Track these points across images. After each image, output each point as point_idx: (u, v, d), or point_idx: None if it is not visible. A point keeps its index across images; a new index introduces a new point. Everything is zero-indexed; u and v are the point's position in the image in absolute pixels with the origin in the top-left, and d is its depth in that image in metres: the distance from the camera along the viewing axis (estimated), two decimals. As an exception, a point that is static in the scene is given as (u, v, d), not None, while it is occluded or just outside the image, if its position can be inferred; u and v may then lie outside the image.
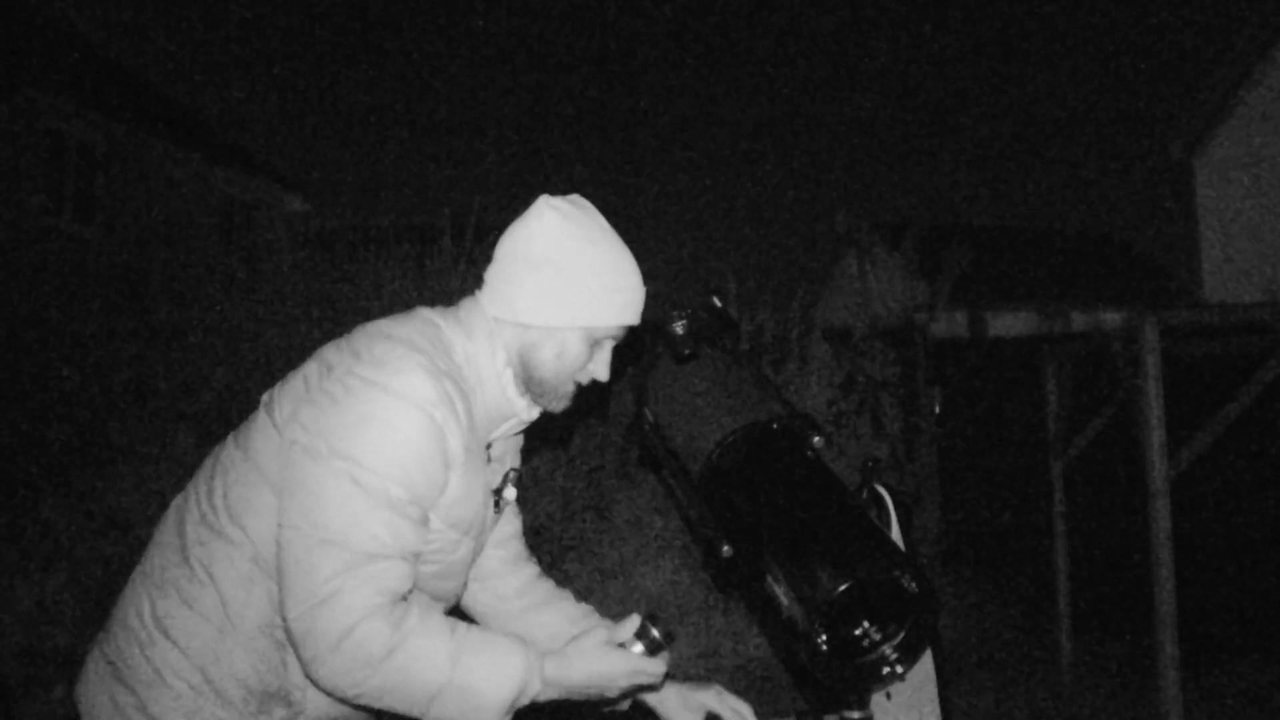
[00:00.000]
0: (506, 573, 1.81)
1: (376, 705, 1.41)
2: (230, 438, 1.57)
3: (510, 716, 1.42)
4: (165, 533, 1.56)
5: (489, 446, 1.62)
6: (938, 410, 6.63)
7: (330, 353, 1.52)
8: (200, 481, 1.56)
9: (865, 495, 1.57)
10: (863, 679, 1.38)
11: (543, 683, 1.42)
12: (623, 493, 5.78)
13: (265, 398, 1.55)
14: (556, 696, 1.46)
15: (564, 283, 1.52)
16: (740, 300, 6.33)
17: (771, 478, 1.48)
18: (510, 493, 1.67)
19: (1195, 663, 5.04)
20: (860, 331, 6.50)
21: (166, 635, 1.48)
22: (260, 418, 1.53)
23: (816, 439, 1.50)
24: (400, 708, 1.40)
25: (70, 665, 5.05)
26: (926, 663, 1.51)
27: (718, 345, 1.69)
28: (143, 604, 1.51)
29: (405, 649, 1.36)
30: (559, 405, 1.62)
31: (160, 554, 1.54)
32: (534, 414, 1.63)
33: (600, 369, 1.60)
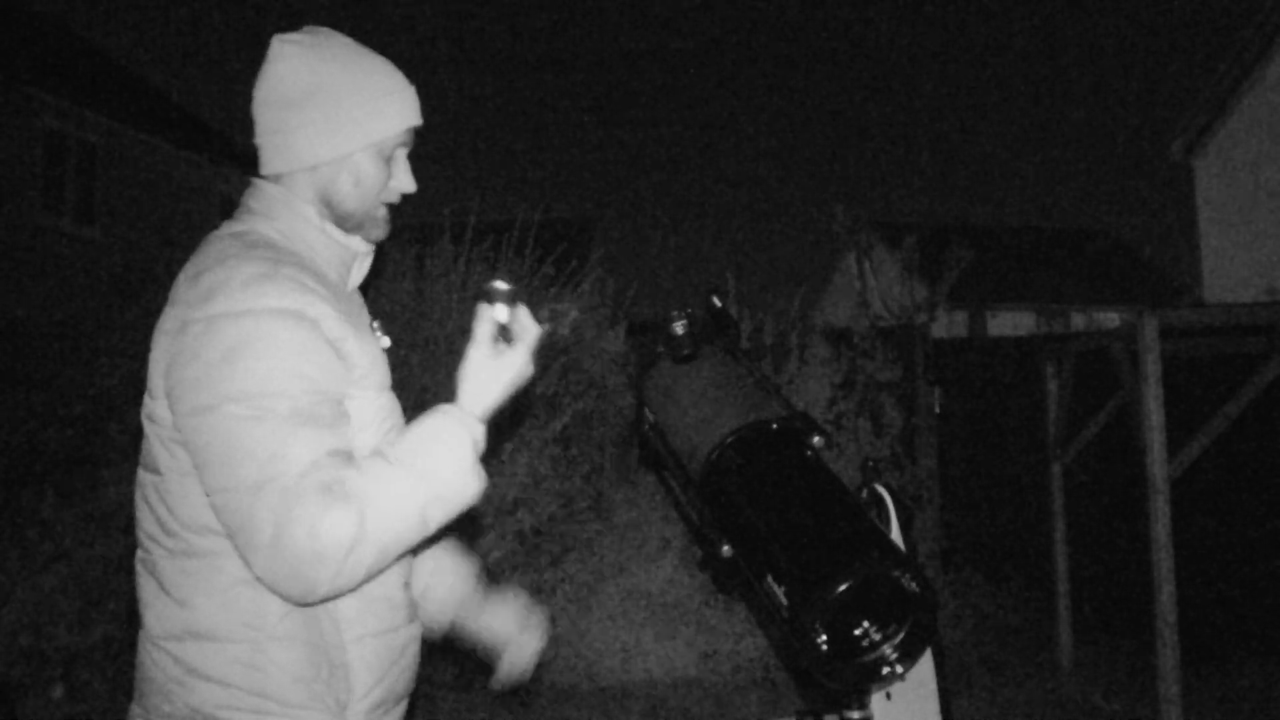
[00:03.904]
0: None
1: (390, 560, 1.38)
2: (140, 475, 1.50)
3: (480, 470, 1.42)
4: (148, 593, 1.47)
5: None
6: (938, 410, 6.63)
7: (165, 323, 1.44)
8: (146, 529, 1.48)
9: (865, 495, 1.57)
10: (863, 679, 1.38)
11: (477, 423, 1.43)
12: (623, 493, 5.78)
13: (144, 414, 1.47)
14: (493, 414, 1.46)
15: (333, 107, 1.47)
16: (740, 300, 6.34)
17: (771, 478, 1.48)
18: (385, 341, 1.61)
19: (1195, 663, 5.04)
20: (860, 331, 6.51)
21: (206, 678, 1.40)
22: (151, 431, 1.46)
23: (816, 439, 1.50)
24: (409, 545, 1.39)
25: (70, 665, 5.05)
26: (926, 663, 1.51)
27: (718, 345, 1.69)
28: (164, 661, 1.43)
29: (370, 506, 1.31)
30: (377, 232, 1.57)
31: (156, 612, 1.45)
32: (367, 246, 1.59)
33: (404, 181, 1.56)
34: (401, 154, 1.57)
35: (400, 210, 1.63)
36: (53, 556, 5.35)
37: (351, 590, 1.39)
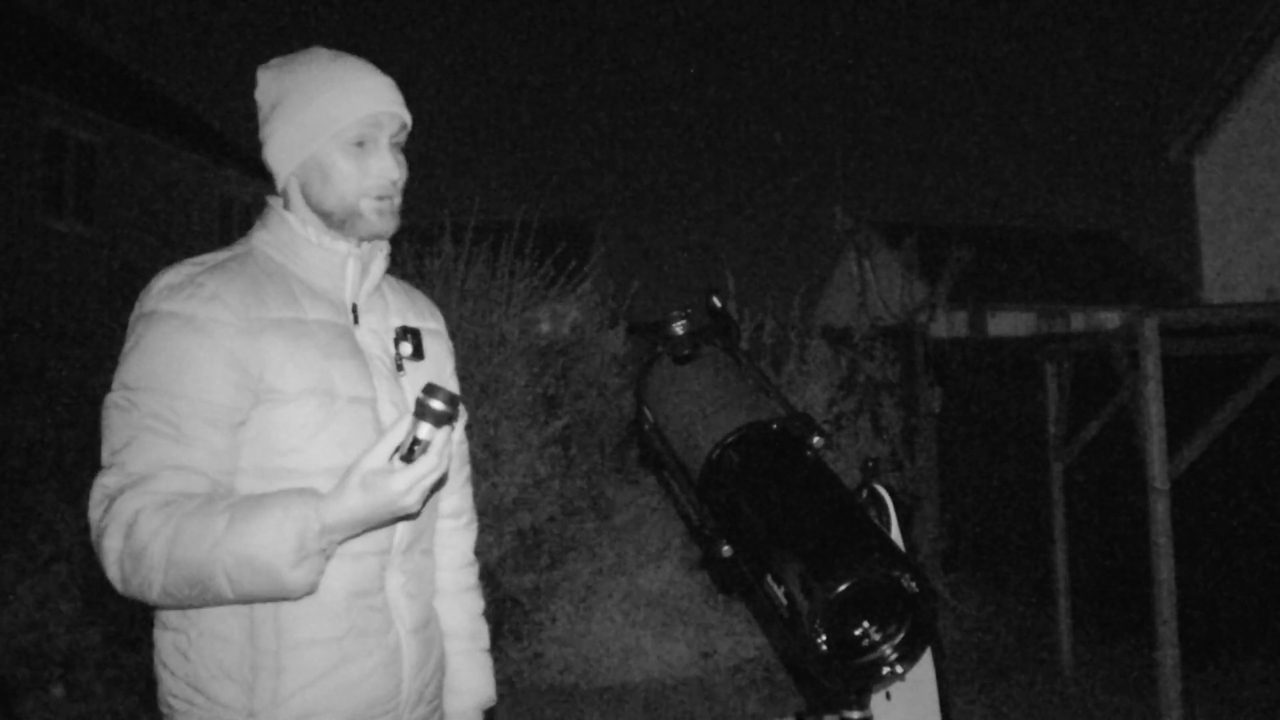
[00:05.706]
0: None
1: (194, 592, 1.36)
2: None
3: (310, 564, 1.35)
4: None
5: (354, 308, 1.59)
6: (938, 410, 6.63)
7: None
8: None
9: (865, 495, 1.56)
10: (863, 679, 1.38)
11: (325, 530, 1.34)
12: (623, 493, 5.78)
13: None
14: (351, 533, 1.38)
15: (292, 112, 1.54)
16: (740, 300, 6.35)
17: (771, 478, 1.48)
18: (405, 348, 1.62)
19: (1195, 663, 5.04)
20: (860, 331, 6.51)
21: (164, 665, 1.50)
22: None
23: (816, 439, 1.49)
24: (210, 590, 1.36)
25: (70, 665, 5.05)
26: (926, 663, 1.51)
27: (718, 345, 1.69)
28: (155, 648, 1.54)
29: (157, 541, 1.35)
30: (366, 228, 1.57)
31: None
32: (353, 246, 1.59)
33: (384, 167, 1.55)
34: (377, 142, 1.57)
35: (402, 210, 1.62)
36: (53, 556, 5.35)
37: (161, 605, 1.43)
